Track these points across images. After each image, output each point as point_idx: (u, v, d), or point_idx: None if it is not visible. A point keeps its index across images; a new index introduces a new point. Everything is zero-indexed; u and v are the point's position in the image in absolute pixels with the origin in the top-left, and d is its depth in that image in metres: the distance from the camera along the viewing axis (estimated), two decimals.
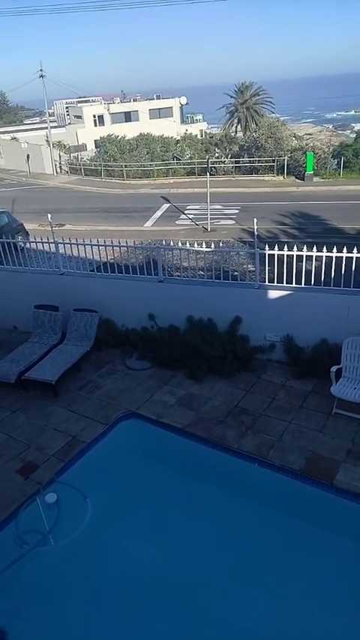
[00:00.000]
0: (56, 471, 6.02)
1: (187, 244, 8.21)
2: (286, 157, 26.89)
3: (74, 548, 5.28)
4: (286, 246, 7.42)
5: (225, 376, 7.62)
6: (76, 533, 5.35)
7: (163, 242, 8.70)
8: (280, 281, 7.64)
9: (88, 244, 8.72)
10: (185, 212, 20.81)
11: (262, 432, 6.44)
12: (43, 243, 9.14)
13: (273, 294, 7.64)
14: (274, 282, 7.71)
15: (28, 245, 10.56)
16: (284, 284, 7.63)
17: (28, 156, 35.52)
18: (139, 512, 5.85)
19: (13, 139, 40.84)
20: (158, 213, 21.10)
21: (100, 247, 8.64)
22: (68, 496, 5.66)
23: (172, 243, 8.41)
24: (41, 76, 35.30)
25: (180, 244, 8.24)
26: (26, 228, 15.97)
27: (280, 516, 5.66)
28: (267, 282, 7.79)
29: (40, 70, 35.08)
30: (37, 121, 53.79)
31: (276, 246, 7.52)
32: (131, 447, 6.79)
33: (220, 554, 5.28)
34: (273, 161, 27.36)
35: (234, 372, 7.66)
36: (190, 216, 20.04)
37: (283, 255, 7.46)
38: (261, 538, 5.39)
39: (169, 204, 22.48)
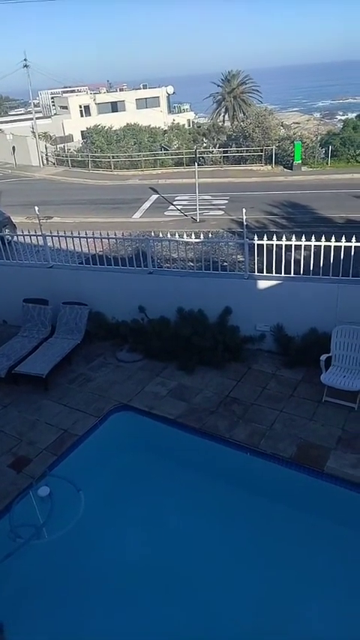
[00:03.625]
0: (48, 465, 6.02)
1: (177, 235, 8.18)
2: (274, 147, 26.82)
3: (68, 541, 5.29)
4: (275, 236, 7.43)
5: (216, 367, 7.65)
6: (70, 526, 5.36)
7: (152, 233, 8.66)
8: (269, 271, 7.66)
9: (76, 237, 8.64)
10: (174, 203, 20.69)
11: (253, 422, 6.49)
12: (30, 236, 9.05)
13: (263, 284, 7.66)
14: (263, 272, 7.72)
15: (15, 238, 10.43)
16: (274, 274, 7.65)
17: (13, 148, 34.98)
18: (133, 503, 5.88)
19: None
20: (147, 205, 20.95)
21: (89, 240, 8.57)
22: (61, 489, 5.66)
23: (161, 235, 8.37)
24: (25, 65, 34.62)
25: (169, 235, 8.21)
26: (13, 221, 15.78)
27: (272, 504, 5.73)
28: (256, 273, 7.80)
29: (24, 60, 34.41)
30: (22, 111, 52.96)
31: (265, 236, 7.52)
32: (123, 439, 6.80)
33: (214, 544, 5.34)
34: (261, 150, 27.26)
35: (225, 363, 7.70)
36: (179, 207, 19.94)
37: (273, 245, 7.47)
38: (254, 526, 5.46)
39: (157, 195, 22.33)
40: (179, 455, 6.55)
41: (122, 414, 6.92)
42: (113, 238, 8.57)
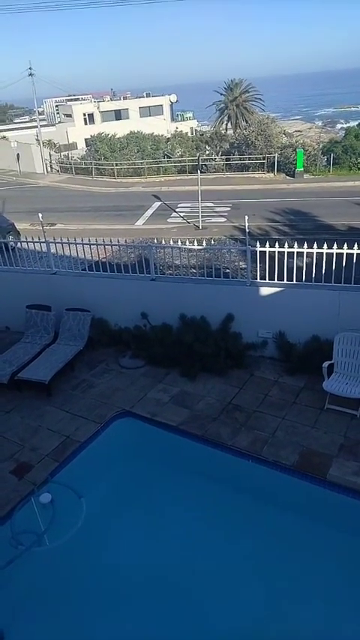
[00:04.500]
0: (50, 471, 6.02)
1: (179, 242, 8.22)
2: (276, 154, 26.95)
3: (70, 548, 5.28)
4: (277, 243, 7.46)
5: (218, 373, 7.65)
6: (72, 533, 5.35)
7: (155, 240, 8.70)
8: (271, 278, 7.68)
9: (79, 243, 8.69)
10: (176, 210, 20.80)
11: (255, 429, 6.48)
12: (34, 242, 9.10)
13: (265, 290, 7.68)
14: (265, 279, 7.74)
15: (19, 245, 10.50)
16: (276, 281, 7.67)
17: (18, 155, 35.25)
18: (135, 510, 5.87)
19: (3, 137, 40.49)
20: (149, 212, 21.06)
21: (92, 246, 8.62)
22: (63, 496, 5.66)
23: (163, 242, 8.41)
24: (30, 74, 35.05)
25: (172, 242, 8.25)
26: (17, 227, 15.88)
27: (274, 512, 5.71)
28: (258, 280, 7.82)
29: (29, 69, 34.84)
30: (27, 119, 53.49)
31: (267, 243, 7.55)
32: (125, 445, 6.80)
33: (217, 551, 5.31)
34: (263, 158, 27.40)
35: (227, 370, 7.70)
36: (182, 214, 20.04)
37: (275, 252, 7.49)
38: (256, 534, 5.43)
39: (160, 203, 22.45)
40: (181, 462, 6.53)
41: (124, 420, 6.92)
42: (116, 245, 8.62)
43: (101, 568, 5.21)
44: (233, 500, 5.84)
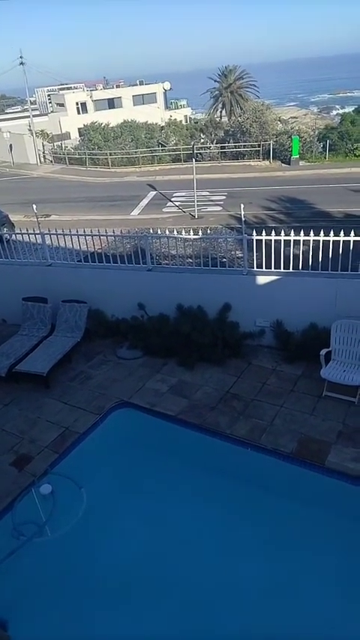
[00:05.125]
0: (50, 463, 6.04)
1: (175, 232, 8.17)
2: (271, 142, 26.73)
3: (71, 539, 5.32)
4: (273, 232, 7.42)
5: (216, 363, 7.66)
6: (72, 524, 5.38)
7: (151, 230, 8.64)
8: (268, 266, 7.65)
9: (74, 234, 8.63)
10: (172, 199, 20.64)
11: (253, 417, 6.51)
12: (29, 234, 9.03)
13: (262, 279, 7.66)
14: (262, 268, 7.72)
15: (13, 237, 10.42)
16: (272, 269, 7.64)
17: (10, 146, 34.84)
18: (135, 500, 5.90)
19: None
20: (145, 201, 20.90)
21: (87, 237, 8.56)
22: (63, 487, 5.69)
23: (159, 232, 8.36)
24: (21, 63, 34.49)
25: (167, 232, 8.20)
26: (11, 219, 15.74)
27: (274, 499, 5.75)
28: (255, 268, 7.80)
29: (20, 57, 34.26)
30: (19, 109, 52.76)
31: (263, 232, 7.52)
32: (125, 436, 6.82)
33: (216, 540, 5.36)
34: (259, 146, 27.17)
35: (225, 359, 7.70)
36: (177, 204, 19.89)
37: (271, 240, 7.46)
38: (256, 522, 5.48)
39: (155, 192, 22.27)
40: (180, 451, 6.57)
41: (123, 411, 6.94)
42: (112, 236, 8.56)
43: (101, 558, 5.25)
44: (232, 488, 5.88)
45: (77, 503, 5.53)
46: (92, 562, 5.23)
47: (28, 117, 36.28)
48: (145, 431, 6.87)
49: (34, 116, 36.51)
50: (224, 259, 8.38)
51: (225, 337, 7.75)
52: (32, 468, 5.99)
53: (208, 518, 5.61)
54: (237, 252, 9.57)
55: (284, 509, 5.63)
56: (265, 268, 7.69)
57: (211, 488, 5.93)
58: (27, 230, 9.12)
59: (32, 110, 38.06)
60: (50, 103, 44.95)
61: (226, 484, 5.95)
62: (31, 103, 39.82)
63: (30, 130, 34.89)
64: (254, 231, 7.67)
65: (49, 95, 46.02)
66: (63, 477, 5.81)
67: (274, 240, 7.42)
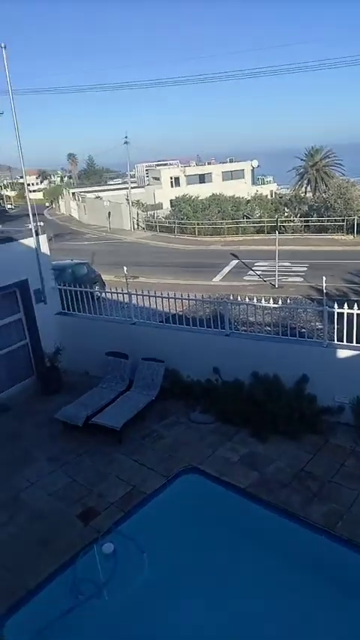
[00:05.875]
0: (115, 520, 6.02)
1: (255, 299, 8.30)
2: (355, 217, 26.71)
3: (128, 605, 5.14)
4: (355, 305, 7.26)
5: (290, 437, 7.34)
6: (132, 589, 5.23)
7: (231, 296, 8.86)
8: (349, 340, 7.42)
9: (159, 296, 9.10)
10: (253, 268, 21.08)
11: (329, 500, 6.05)
12: (117, 293, 9.68)
13: (343, 353, 7.41)
14: (343, 342, 7.50)
15: (104, 295, 11.21)
16: (354, 343, 7.39)
17: (109, 213, 38.48)
18: (196, 572, 5.60)
19: (98, 197, 44.63)
20: (227, 269, 21.56)
21: (170, 299, 8.98)
22: (125, 548, 5.60)
23: (239, 298, 8.54)
24: (125, 142, 38.93)
25: (247, 299, 8.36)
26: (103, 279, 16.98)
27: (349, 597, 5.16)
28: (336, 341, 7.59)
29: (125, 137, 38.78)
30: (120, 182, 58.58)
31: (345, 305, 7.39)
32: (191, 503, 6.63)
33: (279, 626, 4.87)
34: (342, 220, 27.25)
35: (300, 433, 7.37)
36: (259, 273, 20.26)
37: (353, 314, 7.29)
38: (326, 617, 4.93)
39: (237, 261, 22.94)
40: (247, 527, 6.21)
41: (191, 476, 6.81)
42: (193, 300, 8.90)
43: (156, 627, 4.97)
44: (301, 576, 5.39)
45: (138, 568, 5.40)
46: (146, 631, 4.97)
47: (127, 188, 40.08)
48: (212, 500, 6.63)
49: (132, 188, 40.34)
50: (303, 329, 8.28)
51: (301, 410, 7.47)
52: (98, 523, 6.00)
53: (271, 602, 5.12)
54: (317, 323, 9.42)
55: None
56: (347, 342, 7.46)
57: (277, 571, 5.47)
58: (116, 289, 9.80)
59: (131, 183, 42.17)
60: (147, 176, 49.53)
61: (294, 571, 5.47)
62: (131, 177, 44.19)
63: (127, 199, 38.36)
64: (336, 304, 7.56)
65: (147, 170, 50.84)
66: (126, 539, 5.73)
67: (357, 313, 7.24)
